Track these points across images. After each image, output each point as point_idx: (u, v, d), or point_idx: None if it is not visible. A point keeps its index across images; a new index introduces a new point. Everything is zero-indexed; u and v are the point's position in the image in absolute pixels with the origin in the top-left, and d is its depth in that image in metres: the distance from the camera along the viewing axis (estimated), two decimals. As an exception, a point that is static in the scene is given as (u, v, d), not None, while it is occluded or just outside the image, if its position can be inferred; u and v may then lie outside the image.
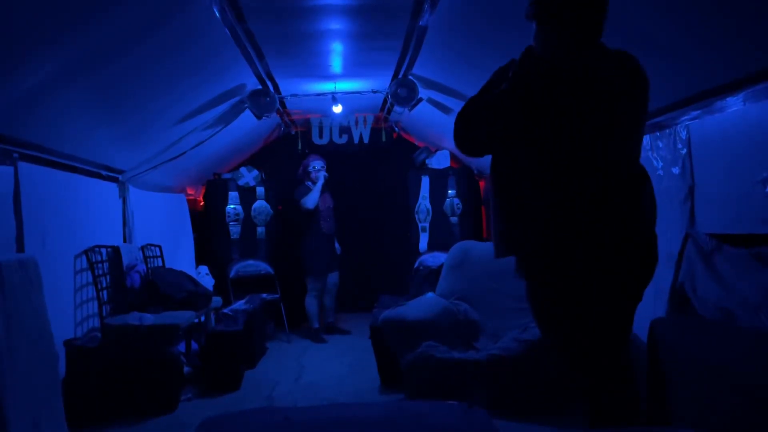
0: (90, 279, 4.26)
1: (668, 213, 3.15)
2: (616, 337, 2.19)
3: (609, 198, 2.03)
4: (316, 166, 6.31)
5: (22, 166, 3.38)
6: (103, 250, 4.48)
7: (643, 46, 2.78)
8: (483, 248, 4.83)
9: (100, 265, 4.35)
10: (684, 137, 3.00)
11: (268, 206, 6.82)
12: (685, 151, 3.00)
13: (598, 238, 2.04)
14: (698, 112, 2.85)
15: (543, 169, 2.03)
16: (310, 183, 6.30)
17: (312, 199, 6.17)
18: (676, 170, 3.08)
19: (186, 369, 4.54)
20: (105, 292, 4.35)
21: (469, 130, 2.10)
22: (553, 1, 2.01)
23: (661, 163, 3.23)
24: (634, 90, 2.06)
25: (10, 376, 2.68)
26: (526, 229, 2.10)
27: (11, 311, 2.76)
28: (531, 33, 2.15)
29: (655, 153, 3.28)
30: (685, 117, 2.96)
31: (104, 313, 4.27)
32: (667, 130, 3.15)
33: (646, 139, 3.34)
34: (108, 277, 4.47)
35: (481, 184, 7.01)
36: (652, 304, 3.23)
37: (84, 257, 4.24)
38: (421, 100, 5.20)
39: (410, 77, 5.01)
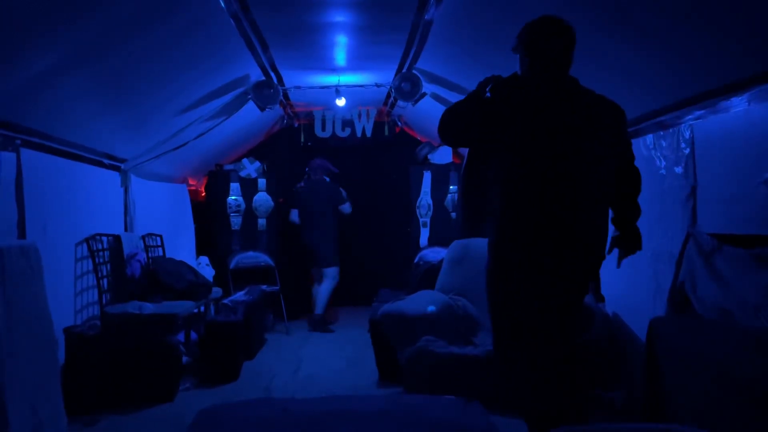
0: (90, 267, 4.27)
1: (670, 212, 3.15)
2: (560, 330, 2.42)
3: (566, 211, 2.35)
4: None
5: (25, 152, 3.38)
6: (104, 239, 4.48)
7: (648, 44, 2.78)
8: (483, 244, 4.80)
9: (100, 253, 4.36)
10: (687, 137, 2.99)
11: (270, 198, 6.82)
12: (688, 150, 2.99)
13: (551, 232, 2.35)
14: (702, 111, 2.84)
15: (509, 173, 2.40)
16: (302, 183, 6.60)
17: (293, 217, 6.63)
18: (678, 169, 3.07)
19: (185, 359, 4.54)
20: (105, 280, 4.36)
21: (451, 127, 2.49)
22: (531, 39, 2.44)
23: (663, 162, 3.22)
24: (605, 126, 2.43)
25: (10, 362, 2.68)
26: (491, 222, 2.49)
27: (11, 297, 2.77)
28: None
29: (658, 152, 3.27)
30: (689, 116, 2.95)
31: (104, 302, 4.28)
32: (671, 130, 3.14)
33: (650, 138, 3.33)
34: (108, 265, 4.48)
35: (483, 180, 7.01)
36: (651, 303, 3.23)
37: (85, 245, 4.25)
38: (424, 95, 5.19)
39: (414, 71, 5.00)
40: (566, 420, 2.21)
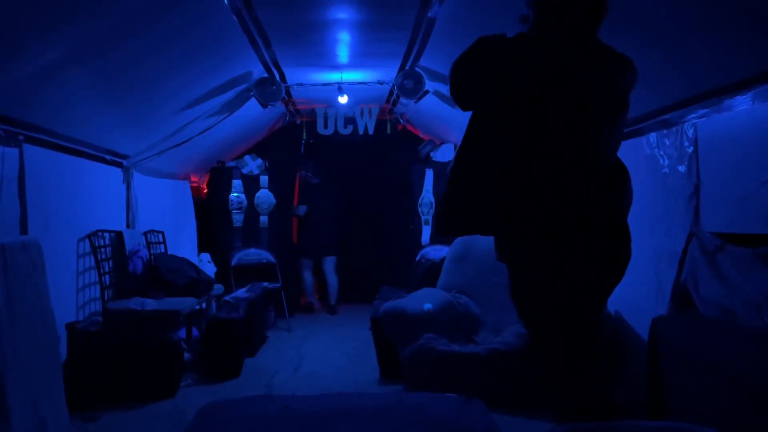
0: (93, 263, 4.27)
1: (672, 211, 3.14)
2: (586, 328, 2.23)
3: (582, 184, 2.07)
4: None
5: (27, 148, 3.38)
6: (106, 235, 4.48)
7: (652, 42, 2.77)
8: (485, 242, 4.79)
9: (102, 249, 4.36)
10: (691, 135, 2.98)
11: (272, 195, 6.83)
12: (691, 149, 2.98)
13: (568, 223, 2.07)
14: (706, 110, 2.83)
15: (520, 148, 2.07)
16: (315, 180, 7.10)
17: (301, 212, 7.10)
18: (682, 168, 3.06)
19: (186, 355, 4.55)
20: (107, 276, 4.36)
21: (462, 87, 2.18)
22: None
23: (667, 161, 3.21)
24: (621, 88, 2.12)
25: (12, 357, 2.69)
26: (492, 210, 2.14)
27: (14, 293, 2.77)
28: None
29: (661, 150, 3.26)
30: (693, 115, 2.94)
31: (106, 298, 4.28)
32: (674, 128, 3.13)
33: (653, 137, 3.32)
34: (110, 261, 4.48)
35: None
36: (654, 302, 3.23)
37: (87, 241, 4.25)
38: (427, 92, 5.18)
39: (417, 69, 4.99)
40: (585, 416, 2.18)
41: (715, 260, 2.74)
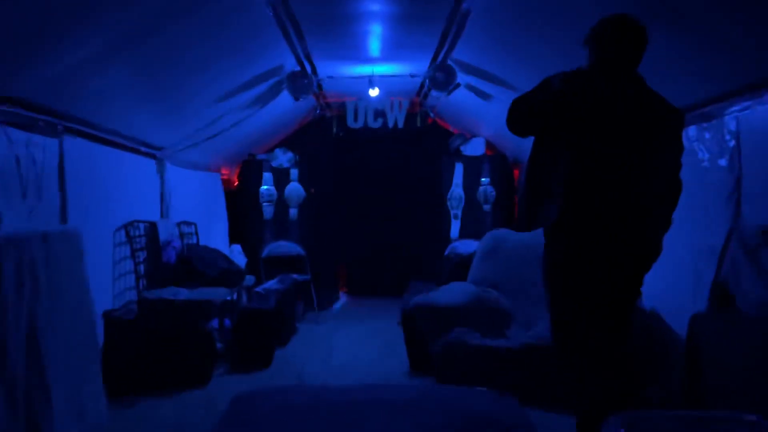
0: (128, 253, 4.35)
1: (712, 206, 3.07)
2: (615, 321, 2.44)
3: (623, 194, 2.34)
4: None
5: (67, 139, 3.45)
6: (141, 225, 4.56)
7: (692, 32, 2.71)
8: (515, 237, 4.78)
9: (137, 239, 4.44)
10: (733, 128, 2.91)
11: (301, 188, 6.87)
12: (733, 143, 2.91)
13: (613, 225, 2.35)
14: (749, 102, 2.76)
15: (573, 162, 2.39)
16: None
17: None
18: (722, 162, 2.99)
19: (218, 345, 4.61)
20: (142, 266, 4.43)
21: (521, 117, 2.50)
22: (604, 36, 2.43)
23: (707, 155, 3.14)
24: (662, 124, 2.42)
25: (53, 344, 2.75)
26: (552, 206, 2.44)
27: (55, 280, 2.83)
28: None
29: (701, 144, 3.19)
30: (735, 107, 2.87)
31: (141, 287, 4.36)
32: (715, 121, 3.06)
33: (693, 130, 3.25)
34: (145, 251, 4.55)
35: (516, 172, 6.93)
36: (692, 299, 3.17)
37: (123, 231, 4.33)
38: (458, 85, 5.14)
39: (449, 62, 4.95)
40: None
41: (757, 256, 2.68)
